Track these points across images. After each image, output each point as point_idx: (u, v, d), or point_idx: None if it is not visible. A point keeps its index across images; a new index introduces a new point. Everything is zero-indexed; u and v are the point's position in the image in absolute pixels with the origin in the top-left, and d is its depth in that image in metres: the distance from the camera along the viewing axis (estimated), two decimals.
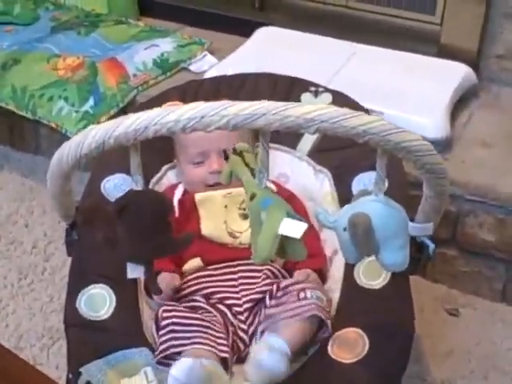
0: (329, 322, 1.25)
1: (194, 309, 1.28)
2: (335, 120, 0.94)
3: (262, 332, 1.26)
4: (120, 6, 2.36)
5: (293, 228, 1.03)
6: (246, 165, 1.12)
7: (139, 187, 1.07)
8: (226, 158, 1.16)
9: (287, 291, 1.27)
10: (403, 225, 1.04)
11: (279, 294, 1.28)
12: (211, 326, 1.23)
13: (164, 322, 1.24)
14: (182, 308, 1.27)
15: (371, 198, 1.05)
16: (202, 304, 1.29)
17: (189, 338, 1.20)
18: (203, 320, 1.24)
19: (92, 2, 2.36)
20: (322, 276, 1.38)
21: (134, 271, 1.11)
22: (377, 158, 1.03)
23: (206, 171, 1.44)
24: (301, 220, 1.05)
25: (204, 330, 1.22)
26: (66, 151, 1.03)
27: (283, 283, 1.29)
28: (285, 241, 1.04)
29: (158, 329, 1.25)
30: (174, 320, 1.23)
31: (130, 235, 1.08)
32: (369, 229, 1.01)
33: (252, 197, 1.07)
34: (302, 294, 1.26)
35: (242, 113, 0.94)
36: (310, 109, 0.95)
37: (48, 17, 2.32)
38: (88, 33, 2.25)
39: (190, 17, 2.32)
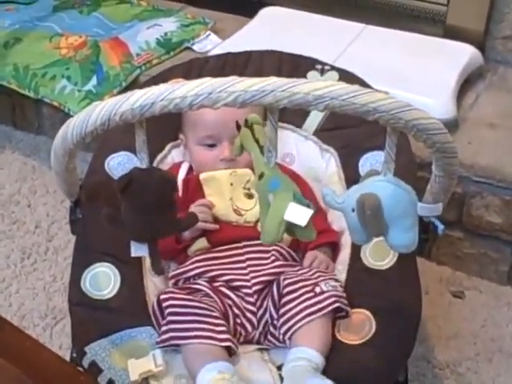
0: (348, 308, 1.23)
1: (192, 293, 1.26)
2: (345, 97, 0.92)
3: (285, 333, 1.21)
4: None
5: (298, 214, 1.02)
6: (256, 140, 1.10)
7: (144, 165, 1.06)
8: (238, 128, 1.14)
9: (302, 285, 1.24)
10: (412, 205, 1.03)
11: (291, 287, 1.24)
12: (209, 313, 1.21)
13: (165, 311, 1.22)
14: (178, 295, 1.24)
15: (380, 178, 1.03)
16: (202, 287, 1.27)
17: (188, 330, 1.18)
18: (201, 308, 1.21)
19: None
20: (337, 249, 1.36)
21: (138, 250, 1.09)
22: (386, 137, 1.02)
23: (217, 156, 1.40)
24: (308, 205, 1.04)
25: (202, 319, 1.19)
26: (71, 128, 1.01)
27: (293, 278, 1.25)
28: (292, 224, 1.03)
29: (162, 314, 1.24)
30: (170, 310, 1.21)
31: (133, 213, 1.06)
32: (378, 210, 1.00)
33: (260, 176, 1.05)
34: (317, 289, 1.23)
35: (250, 89, 0.92)
36: (320, 85, 0.93)
37: None
38: (90, 12, 2.25)
39: None
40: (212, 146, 1.42)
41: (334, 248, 1.37)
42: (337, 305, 1.21)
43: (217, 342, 1.17)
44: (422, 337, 1.50)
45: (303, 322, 1.20)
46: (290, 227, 1.04)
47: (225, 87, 0.92)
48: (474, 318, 1.59)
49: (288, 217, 1.02)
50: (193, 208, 1.34)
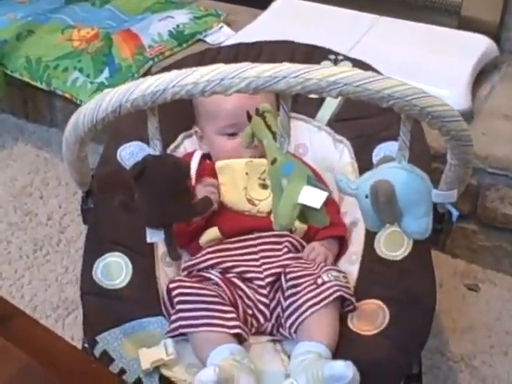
0: (353, 298, 1.22)
1: (201, 282, 1.25)
2: (359, 83, 0.91)
3: (291, 327, 1.20)
4: None
5: (313, 197, 1.01)
6: (268, 127, 1.09)
7: (157, 152, 1.05)
8: (249, 118, 1.13)
9: (305, 280, 1.22)
10: (427, 192, 1.02)
11: (294, 282, 1.23)
12: (219, 300, 1.20)
13: (174, 300, 1.22)
14: (186, 283, 1.23)
15: (394, 165, 1.02)
16: (212, 276, 1.27)
17: (197, 318, 1.17)
18: (209, 295, 1.21)
19: None
20: (344, 243, 1.35)
21: (154, 235, 1.09)
22: (401, 124, 1.01)
23: (239, 144, 1.35)
24: (322, 188, 1.03)
25: (211, 306, 1.19)
26: (82, 115, 1.00)
27: (297, 272, 1.24)
28: (306, 208, 1.02)
29: (171, 303, 1.23)
30: (179, 298, 1.21)
31: (147, 200, 1.06)
32: (391, 196, 0.99)
33: (273, 161, 1.04)
34: (319, 280, 1.22)
35: (262, 75, 0.91)
36: (333, 71, 0.92)
37: None
38: (102, 4, 2.25)
39: None
40: (233, 134, 1.41)
41: (341, 242, 1.36)
42: (339, 293, 1.19)
43: (226, 329, 1.16)
44: (437, 330, 1.49)
45: (307, 313, 1.19)
46: (303, 212, 1.02)
47: (237, 73, 0.91)
48: (489, 311, 1.58)
49: (302, 200, 1.00)
50: (201, 189, 1.33)
